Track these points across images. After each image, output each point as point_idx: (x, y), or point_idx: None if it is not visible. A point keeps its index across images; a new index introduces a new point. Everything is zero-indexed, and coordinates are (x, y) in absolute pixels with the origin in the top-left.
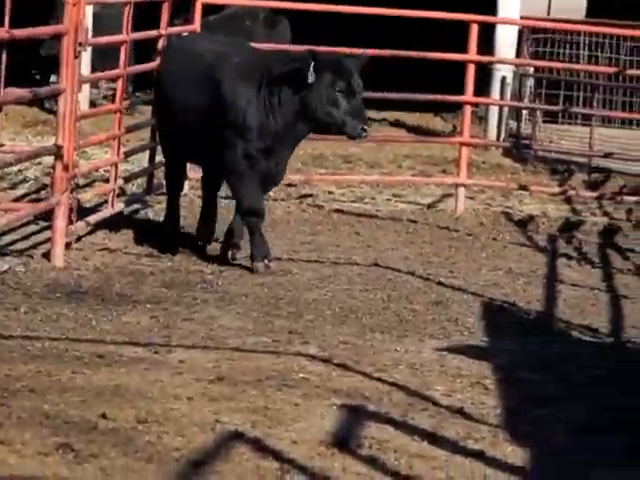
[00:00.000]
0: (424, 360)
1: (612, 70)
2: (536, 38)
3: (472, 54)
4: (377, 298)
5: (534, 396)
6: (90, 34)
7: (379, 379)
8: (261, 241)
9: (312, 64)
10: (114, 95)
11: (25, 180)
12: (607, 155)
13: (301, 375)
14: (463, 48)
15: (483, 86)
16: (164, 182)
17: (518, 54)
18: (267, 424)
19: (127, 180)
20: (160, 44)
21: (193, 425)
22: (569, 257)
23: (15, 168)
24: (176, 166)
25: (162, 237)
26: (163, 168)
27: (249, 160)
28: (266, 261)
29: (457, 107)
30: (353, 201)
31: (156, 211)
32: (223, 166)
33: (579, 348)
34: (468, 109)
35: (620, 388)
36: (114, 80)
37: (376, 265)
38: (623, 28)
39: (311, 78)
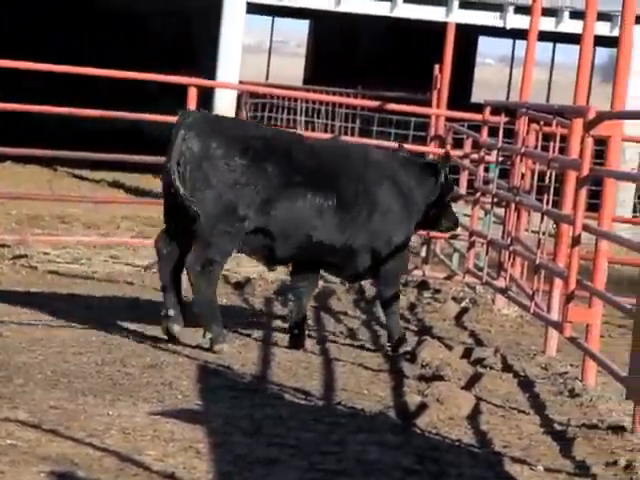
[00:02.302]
0: (137, 424)
1: (329, 136)
2: (255, 103)
3: None
4: (90, 361)
5: (246, 460)
6: None
7: (90, 444)
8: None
9: (446, 168)
10: None
11: None
12: None
13: (9, 441)
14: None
15: None
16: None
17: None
18: None
19: None
20: None
21: None
22: (284, 319)
23: None
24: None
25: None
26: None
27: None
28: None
29: None
30: (69, 262)
31: None
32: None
33: (291, 411)
34: None
35: (329, 451)
36: None
37: (91, 328)
38: (338, 95)
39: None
